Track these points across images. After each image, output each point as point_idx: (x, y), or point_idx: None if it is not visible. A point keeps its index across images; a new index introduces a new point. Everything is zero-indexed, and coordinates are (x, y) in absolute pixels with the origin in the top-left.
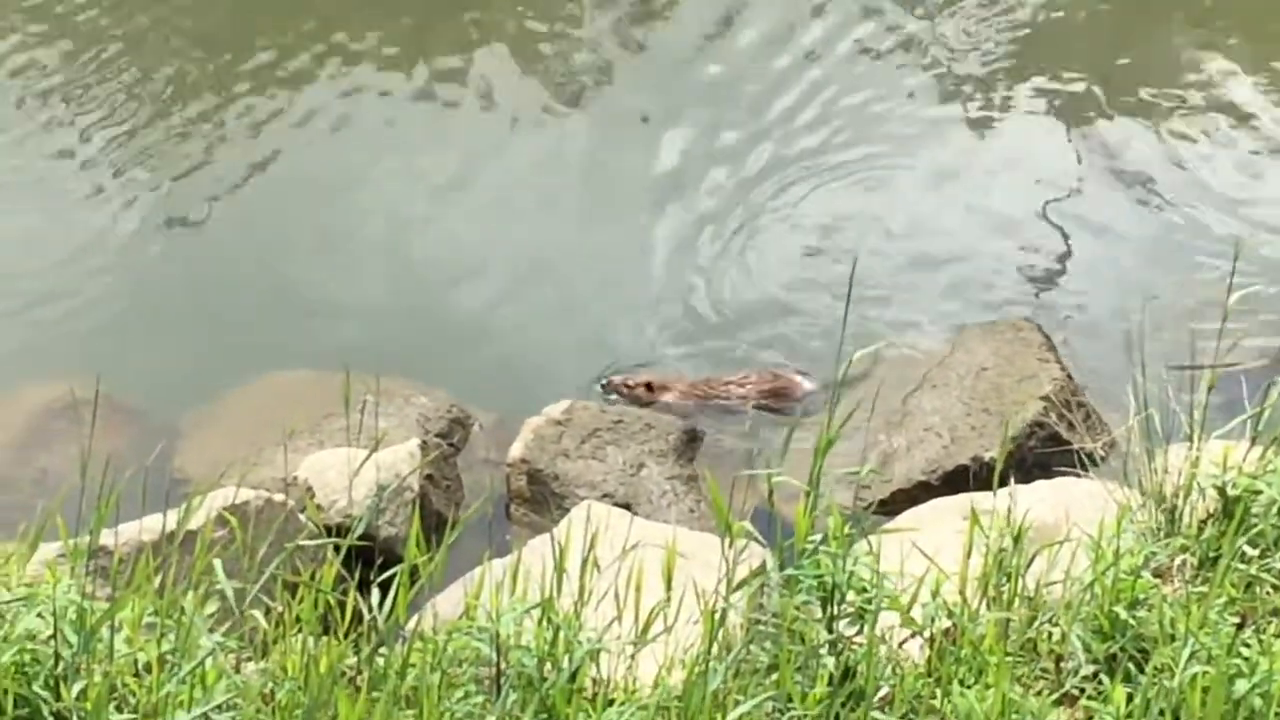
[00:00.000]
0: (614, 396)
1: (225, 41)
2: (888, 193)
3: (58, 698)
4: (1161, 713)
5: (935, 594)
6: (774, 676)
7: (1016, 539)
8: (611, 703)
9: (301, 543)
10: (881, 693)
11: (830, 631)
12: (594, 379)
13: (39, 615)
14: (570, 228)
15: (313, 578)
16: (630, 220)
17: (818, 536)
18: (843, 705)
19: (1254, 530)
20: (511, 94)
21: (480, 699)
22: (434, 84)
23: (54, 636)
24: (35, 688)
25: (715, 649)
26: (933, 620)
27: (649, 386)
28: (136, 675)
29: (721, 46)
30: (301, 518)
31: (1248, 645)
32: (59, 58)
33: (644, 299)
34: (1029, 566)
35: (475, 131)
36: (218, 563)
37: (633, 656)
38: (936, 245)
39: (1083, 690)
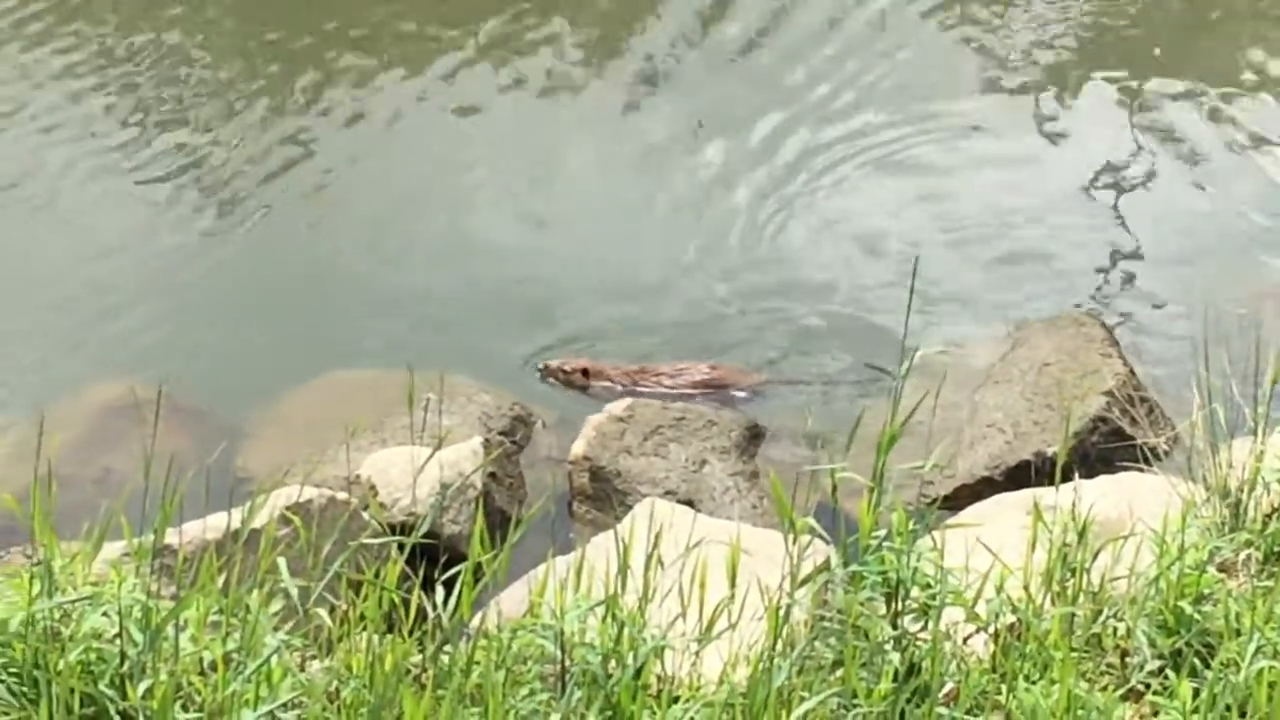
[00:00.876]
0: (550, 381)
1: (288, 35)
2: (948, 182)
3: (123, 696)
4: (1228, 708)
5: (999, 589)
6: (839, 673)
7: (1081, 534)
8: (676, 699)
9: (366, 541)
10: (946, 689)
11: (895, 627)
12: (528, 360)
13: (104, 614)
14: (635, 225)
15: (377, 576)
16: (705, 217)
17: (882, 532)
18: (907, 701)
19: None
20: (577, 89)
21: (545, 696)
22: (497, 77)
23: (119, 635)
24: (101, 686)
25: (779, 645)
26: (997, 616)
27: (585, 372)
28: (201, 674)
29: (783, 35)
30: (365, 516)
31: None
32: (118, 57)
33: (711, 296)
34: (1093, 561)
35: (540, 127)
36: (282, 561)
37: (697, 653)
38: (998, 238)
39: (1148, 686)
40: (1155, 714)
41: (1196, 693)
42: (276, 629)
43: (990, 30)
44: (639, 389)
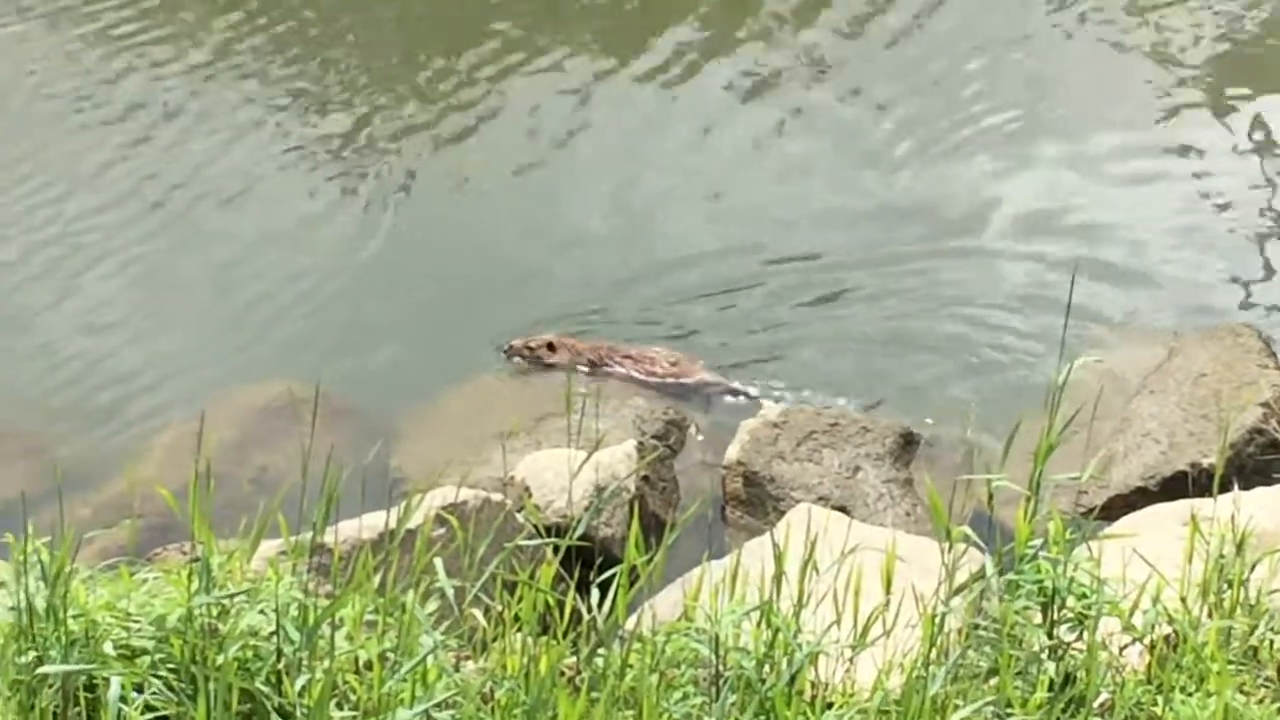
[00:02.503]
0: (516, 360)
1: (448, 36)
2: (1100, 188)
3: (279, 693)
4: None
5: (1156, 600)
6: (993, 681)
7: (1239, 546)
8: (830, 706)
9: (523, 542)
10: (1101, 699)
11: (1050, 637)
12: (495, 345)
13: (261, 612)
14: (786, 215)
15: (532, 577)
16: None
17: (1038, 541)
18: (1062, 711)
19: None
20: (724, 79)
21: (699, 700)
22: (643, 66)
23: (276, 632)
24: (258, 683)
25: (934, 653)
26: (1153, 627)
27: (550, 346)
28: (357, 672)
29: (932, 31)
30: (519, 518)
31: None
32: (282, 60)
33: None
34: (1251, 573)
35: (689, 116)
36: (439, 561)
37: (851, 660)
38: (1152, 247)
39: None
40: None
41: None
42: (431, 629)
43: (1148, 42)
44: (603, 367)
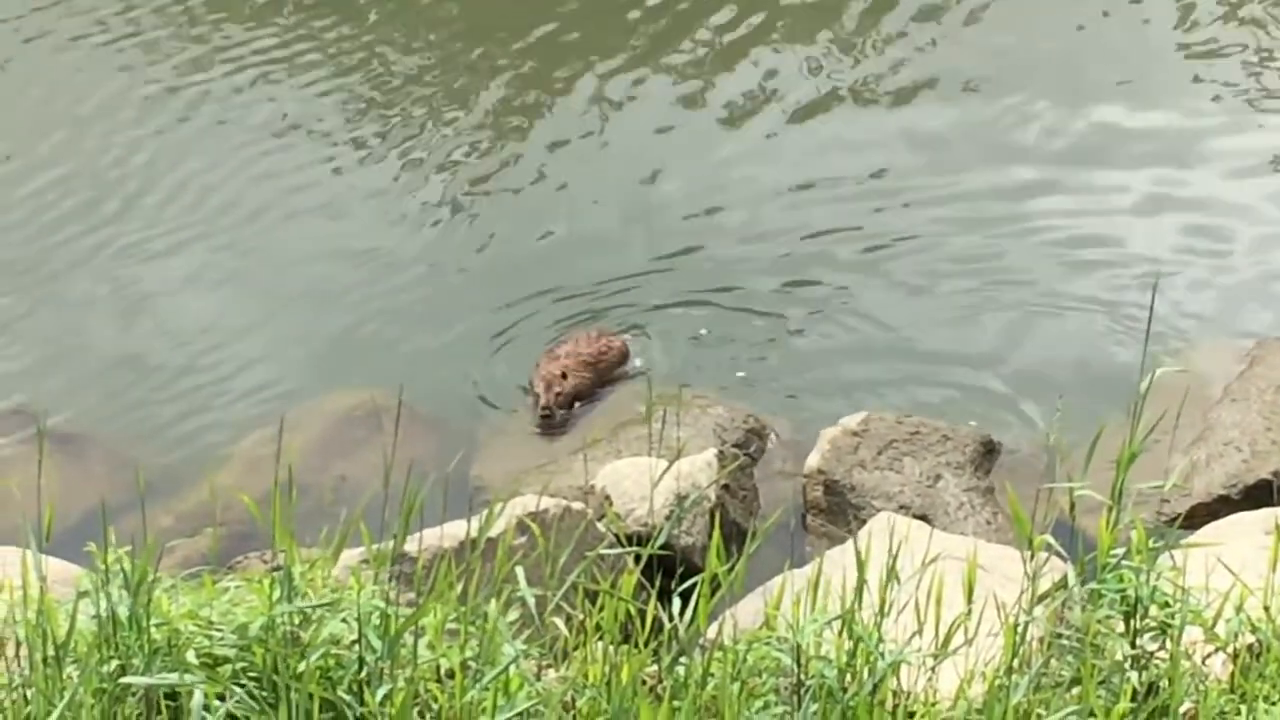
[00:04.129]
0: (561, 413)
1: (517, 39)
2: (1187, 191)
3: (361, 702)
4: None
5: (1239, 609)
6: (1075, 691)
7: None
8: (912, 715)
9: (604, 551)
10: (1183, 708)
11: (1133, 646)
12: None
13: (343, 620)
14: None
15: (613, 586)
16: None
17: (1120, 550)
18: None
19: None
20: (793, 85)
21: (780, 709)
22: (717, 74)
23: (358, 641)
24: (339, 692)
25: (1016, 662)
26: (1236, 635)
27: (564, 375)
28: (438, 681)
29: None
30: (599, 526)
31: None
32: (352, 68)
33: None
34: None
35: (763, 125)
36: (520, 570)
37: (933, 669)
38: (1236, 253)
39: None
40: None
41: None
42: (513, 638)
43: (1247, 44)
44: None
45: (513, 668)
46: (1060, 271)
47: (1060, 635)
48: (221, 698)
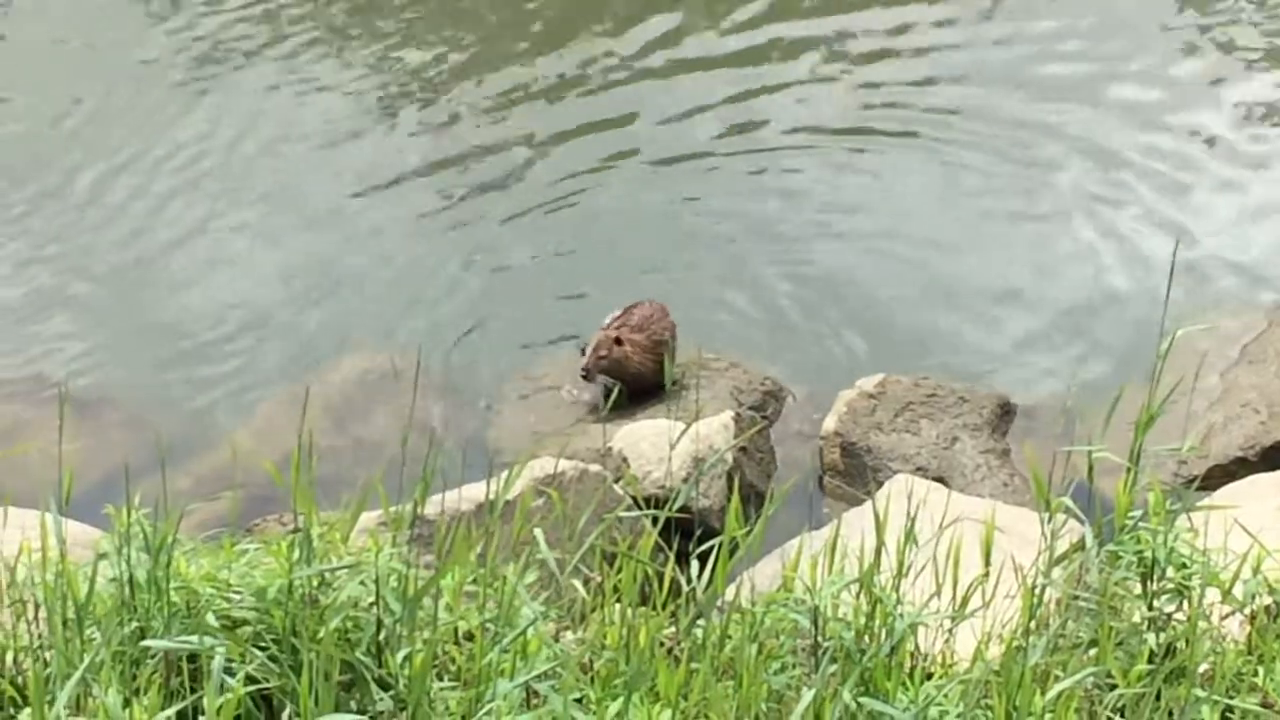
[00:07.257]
0: (600, 378)
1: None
2: (1207, 162)
3: (380, 664)
4: None
5: (1256, 571)
6: (1093, 653)
7: None
8: (929, 676)
9: (623, 514)
10: (1201, 669)
11: (1150, 608)
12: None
13: (362, 583)
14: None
15: (631, 548)
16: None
17: (1137, 512)
18: (1164, 682)
19: None
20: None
21: (798, 671)
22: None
23: (376, 604)
24: (358, 654)
25: (1034, 624)
26: (1254, 597)
27: (618, 340)
28: (457, 643)
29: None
30: (617, 489)
31: None
32: (409, 55)
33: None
34: None
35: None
36: (539, 532)
37: (950, 631)
38: (1255, 217)
39: None
40: None
41: None
42: (531, 600)
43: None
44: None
45: (531, 630)
46: (1082, 227)
47: (1078, 597)
48: (241, 659)
